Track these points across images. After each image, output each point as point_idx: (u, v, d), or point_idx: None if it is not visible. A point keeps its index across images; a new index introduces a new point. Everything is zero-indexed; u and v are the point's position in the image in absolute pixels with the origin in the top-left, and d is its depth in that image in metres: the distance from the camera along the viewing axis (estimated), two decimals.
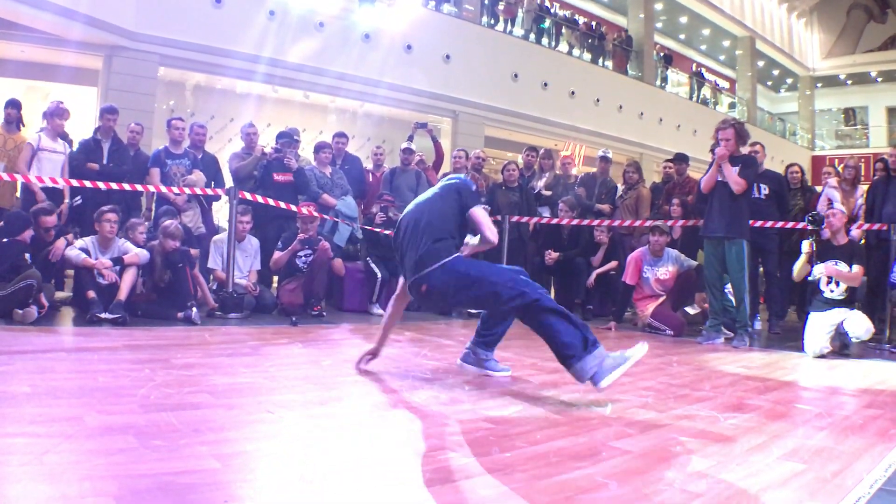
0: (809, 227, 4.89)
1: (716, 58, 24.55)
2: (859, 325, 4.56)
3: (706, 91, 20.33)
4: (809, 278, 4.90)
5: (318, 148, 6.47)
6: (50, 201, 5.01)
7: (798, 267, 4.92)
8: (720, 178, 5.03)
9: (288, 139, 6.22)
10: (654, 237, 5.71)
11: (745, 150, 5.35)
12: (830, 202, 6.06)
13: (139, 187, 5.67)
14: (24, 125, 5.61)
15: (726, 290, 5.30)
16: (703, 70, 22.37)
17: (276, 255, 5.60)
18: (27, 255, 4.34)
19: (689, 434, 2.29)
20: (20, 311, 3.99)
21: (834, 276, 4.74)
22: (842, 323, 4.63)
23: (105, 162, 5.69)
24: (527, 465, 1.87)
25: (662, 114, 16.95)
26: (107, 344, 3.60)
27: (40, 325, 4.02)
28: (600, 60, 16.19)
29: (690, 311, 5.78)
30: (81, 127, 7.24)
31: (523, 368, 3.49)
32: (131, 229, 4.90)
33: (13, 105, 5.48)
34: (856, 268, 4.72)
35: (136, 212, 5.90)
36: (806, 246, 4.87)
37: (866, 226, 5.83)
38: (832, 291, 4.78)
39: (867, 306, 5.77)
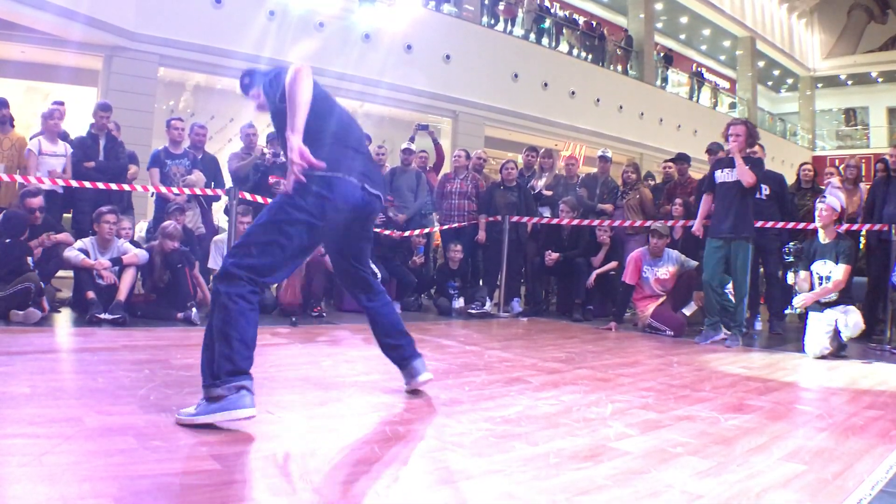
0: (789, 259, 4.89)
1: (716, 58, 24.55)
2: (847, 322, 4.54)
3: (706, 90, 20.31)
4: (787, 311, 4.90)
5: None
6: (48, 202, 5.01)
7: (799, 300, 4.87)
8: (724, 180, 5.05)
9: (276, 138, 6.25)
10: (654, 240, 5.70)
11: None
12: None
13: (139, 187, 5.68)
14: (13, 125, 5.59)
15: (727, 291, 5.29)
16: (704, 70, 22.37)
17: None
18: (29, 259, 4.32)
19: (689, 435, 2.29)
20: (20, 312, 3.99)
21: (817, 299, 4.67)
22: (836, 322, 4.62)
23: (101, 158, 5.71)
24: (527, 465, 1.87)
25: (663, 114, 16.95)
26: (106, 345, 3.60)
27: (40, 326, 4.02)
28: (601, 61, 16.20)
29: (687, 311, 5.77)
30: (82, 127, 7.26)
31: (523, 369, 3.48)
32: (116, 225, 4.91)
33: (2, 104, 5.48)
34: (840, 269, 4.60)
35: (128, 210, 5.93)
36: (791, 278, 4.87)
37: (867, 226, 5.82)
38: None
39: (868, 307, 5.77)
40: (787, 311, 4.95)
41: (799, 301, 4.77)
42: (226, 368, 2.09)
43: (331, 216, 2.31)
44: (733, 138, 4.96)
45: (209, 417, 2.06)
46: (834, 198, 4.83)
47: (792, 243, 5.40)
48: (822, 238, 4.82)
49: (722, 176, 5.10)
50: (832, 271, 4.66)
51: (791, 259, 4.94)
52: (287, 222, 2.22)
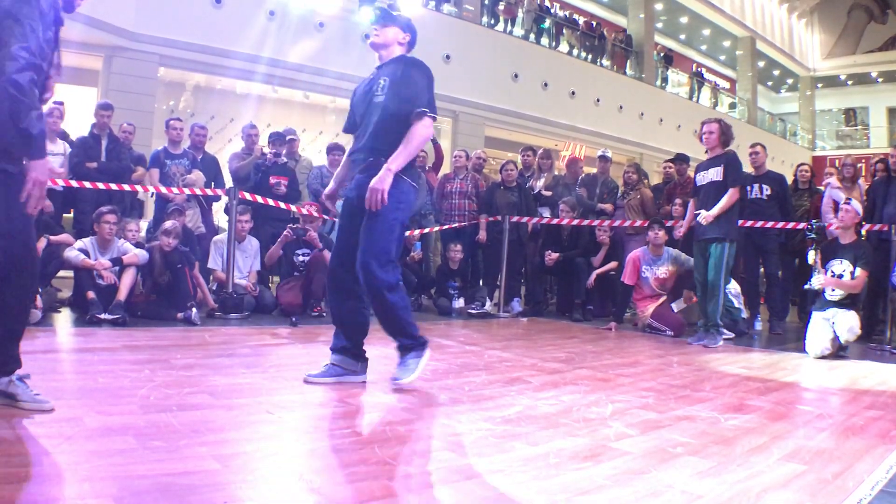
0: (811, 237, 4.89)
1: (716, 58, 24.55)
2: (844, 325, 4.54)
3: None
4: (806, 286, 4.92)
5: (330, 149, 6.48)
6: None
7: (817, 280, 4.85)
8: (701, 182, 5.09)
9: (279, 139, 6.24)
10: (653, 233, 5.68)
11: (737, 149, 5.35)
12: (837, 203, 6.05)
13: (139, 187, 5.67)
14: None
15: (729, 292, 5.28)
16: (704, 70, 22.37)
17: (271, 250, 5.62)
18: None
19: (689, 435, 2.29)
20: None
21: (834, 286, 4.71)
22: (833, 325, 4.63)
23: (103, 158, 5.71)
24: (527, 465, 1.87)
25: (663, 114, 16.95)
26: (106, 345, 3.60)
27: (40, 326, 4.02)
28: (600, 60, 16.20)
29: (675, 306, 5.76)
30: (82, 128, 7.27)
31: (523, 369, 3.48)
32: (121, 228, 4.90)
33: None
34: (859, 272, 4.67)
35: (134, 211, 5.92)
36: (811, 257, 4.85)
37: (867, 226, 5.82)
38: (833, 291, 4.77)
39: (868, 307, 5.76)
40: (805, 287, 4.95)
41: (817, 281, 4.78)
42: (416, 328, 2.85)
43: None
44: (706, 136, 5.00)
45: (424, 362, 2.84)
46: (858, 202, 4.88)
47: (815, 220, 5.37)
48: (841, 238, 4.85)
49: (700, 178, 5.15)
50: (847, 271, 4.70)
51: (813, 236, 4.91)
52: (402, 222, 2.79)
